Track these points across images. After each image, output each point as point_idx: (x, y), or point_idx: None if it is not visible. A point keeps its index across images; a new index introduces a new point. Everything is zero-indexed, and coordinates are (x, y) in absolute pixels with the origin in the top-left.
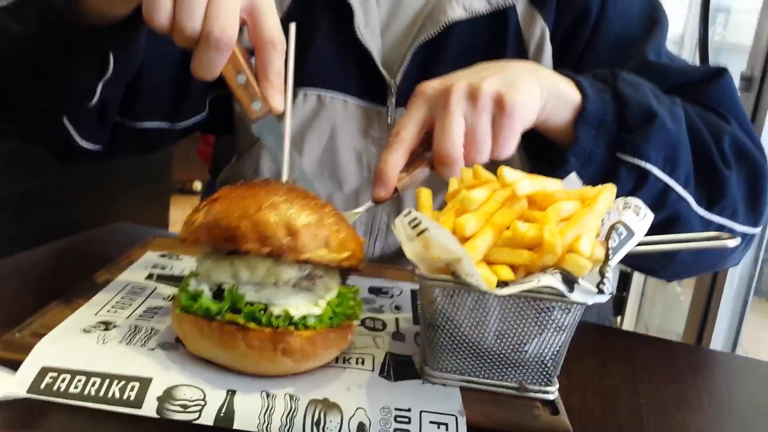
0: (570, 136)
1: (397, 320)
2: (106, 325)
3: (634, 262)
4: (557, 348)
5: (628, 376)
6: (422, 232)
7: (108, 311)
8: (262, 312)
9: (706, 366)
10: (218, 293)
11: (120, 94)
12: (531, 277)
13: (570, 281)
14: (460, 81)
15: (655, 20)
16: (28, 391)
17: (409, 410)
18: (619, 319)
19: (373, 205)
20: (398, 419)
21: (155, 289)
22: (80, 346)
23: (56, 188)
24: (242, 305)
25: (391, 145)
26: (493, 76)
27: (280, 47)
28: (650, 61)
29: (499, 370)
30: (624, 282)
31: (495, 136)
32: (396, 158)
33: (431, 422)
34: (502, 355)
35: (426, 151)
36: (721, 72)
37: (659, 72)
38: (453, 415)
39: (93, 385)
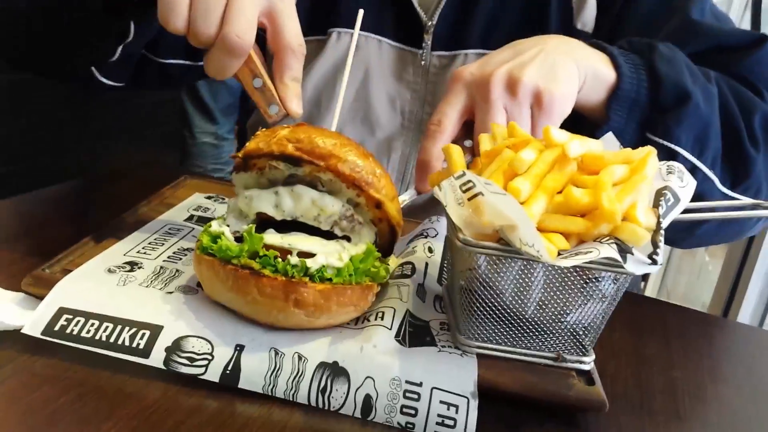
0: (602, 113)
1: (426, 266)
2: (132, 266)
3: None
4: (597, 318)
5: (662, 347)
6: (474, 196)
7: (138, 252)
8: (279, 259)
9: (742, 341)
10: (241, 239)
11: (141, 48)
12: (587, 246)
13: (624, 251)
14: (498, 69)
15: None
16: (42, 333)
17: (420, 385)
18: (642, 285)
19: (416, 195)
20: (407, 394)
21: (191, 231)
22: (101, 287)
23: (68, 125)
24: (259, 248)
25: (433, 135)
26: (532, 63)
27: (299, 52)
28: (692, 19)
29: (536, 339)
30: None
31: (533, 126)
32: (438, 149)
33: (441, 402)
34: (541, 325)
35: (464, 137)
36: (762, 40)
37: (699, 31)
38: (465, 396)
39: (105, 330)
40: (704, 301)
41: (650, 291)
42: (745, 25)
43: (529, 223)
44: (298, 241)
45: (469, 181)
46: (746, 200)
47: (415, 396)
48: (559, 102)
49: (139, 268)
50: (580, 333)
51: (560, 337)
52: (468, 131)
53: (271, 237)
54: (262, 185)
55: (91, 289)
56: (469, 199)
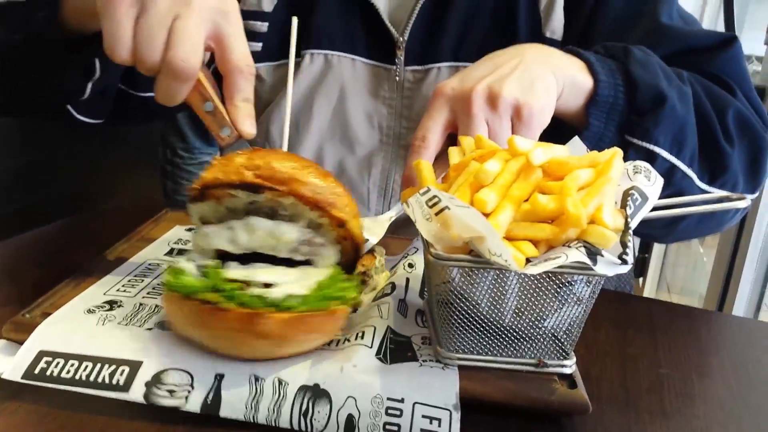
0: (581, 119)
1: (407, 281)
2: (111, 305)
3: (637, 229)
4: (575, 321)
5: (648, 344)
6: (441, 210)
7: (118, 290)
8: (241, 291)
9: (730, 334)
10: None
11: (115, 85)
12: (555, 252)
13: (593, 253)
14: (479, 85)
15: None
16: (22, 377)
17: (401, 401)
18: (641, 280)
19: (403, 210)
20: (389, 411)
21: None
22: (80, 328)
23: (47, 163)
24: (220, 282)
25: (418, 151)
26: (510, 77)
27: (247, 72)
28: (662, 23)
29: (515, 346)
30: (646, 243)
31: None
32: None
33: (424, 416)
34: (519, 332)
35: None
36: (731, 40)
37: (670, 34)
38: (447, 409)
39: (84, 369)
40: (701, 292)
41: (649, 285)
42: (720, 27)
43: (495, 233)
44: (260, 272)
45: (435, 197)
46: (717, 193)
47: (398, 412)
48: (538, 114)
49: (118, 306)
50: (559, 337)
51: (540, 343)
52: (452, 144)
53: (233, 271)
54: (220, 214)
55: (71, 330)
56: (436, 214)
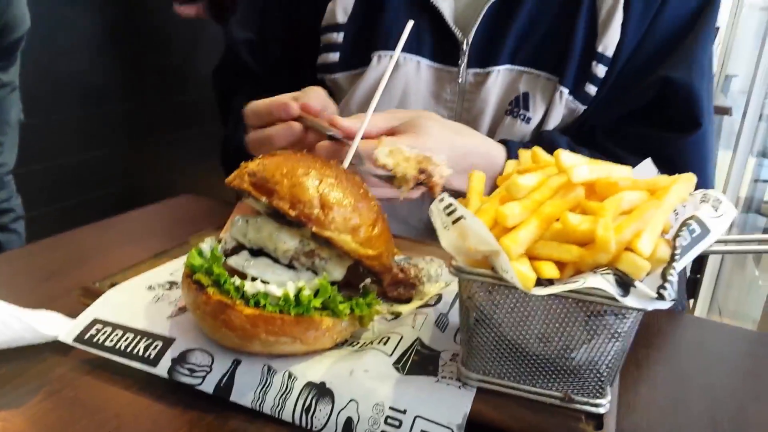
0: None
1: (456, 296)
2: (171, 285)
3: None
4: (611, 357)
5: (702, 367)
6: (458, 219)
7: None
8: (229, 282)
9: None
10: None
11: None
12: (578, 277)
13: (625, 283)
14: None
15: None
16: (74, 340)
17: (404, 412)
18: (691, 302)
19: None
20: (389, 420)
21: None
22: (135, 302)
23: (122, 158)
24: (216, 266)
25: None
26: None
27: None
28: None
29: (543, 376)
30: (699, 263)
31: None
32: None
33: (423, 431)
34: (546, 361)
35: None
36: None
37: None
38: (449, 428)
39: (125, 339)
40: (755, 317)
41: (700, 307)
42: None
43: (499, 248)
44: (257, 266)
45: (451, 205)
46: (755, 236)
47: (397, 423)
48: None
49: (177, 287)
50: (593, 372)
51: (571, 375)
52: None
53: (236, 259)
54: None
55: (126, 302)
56: (453, 223)
